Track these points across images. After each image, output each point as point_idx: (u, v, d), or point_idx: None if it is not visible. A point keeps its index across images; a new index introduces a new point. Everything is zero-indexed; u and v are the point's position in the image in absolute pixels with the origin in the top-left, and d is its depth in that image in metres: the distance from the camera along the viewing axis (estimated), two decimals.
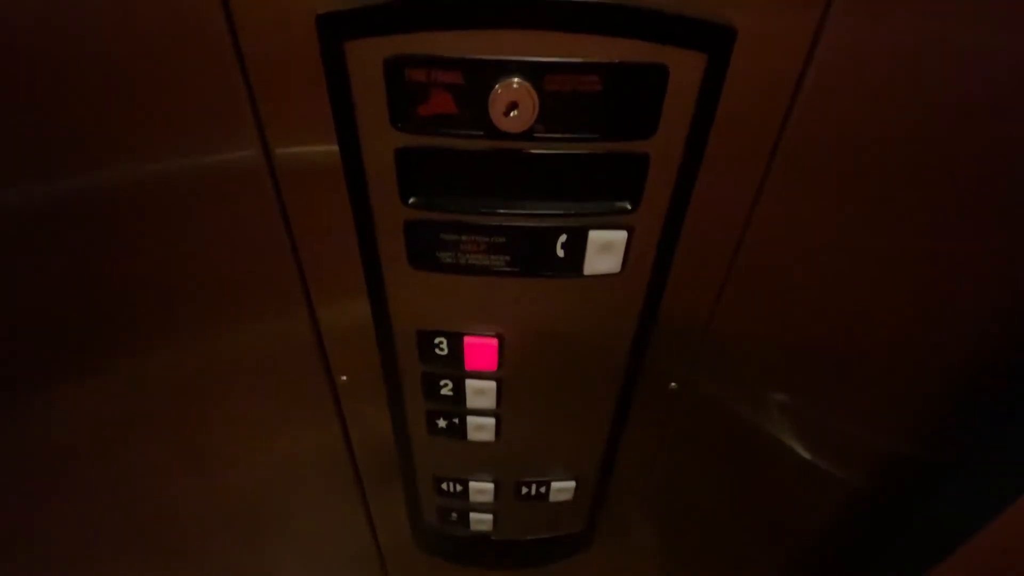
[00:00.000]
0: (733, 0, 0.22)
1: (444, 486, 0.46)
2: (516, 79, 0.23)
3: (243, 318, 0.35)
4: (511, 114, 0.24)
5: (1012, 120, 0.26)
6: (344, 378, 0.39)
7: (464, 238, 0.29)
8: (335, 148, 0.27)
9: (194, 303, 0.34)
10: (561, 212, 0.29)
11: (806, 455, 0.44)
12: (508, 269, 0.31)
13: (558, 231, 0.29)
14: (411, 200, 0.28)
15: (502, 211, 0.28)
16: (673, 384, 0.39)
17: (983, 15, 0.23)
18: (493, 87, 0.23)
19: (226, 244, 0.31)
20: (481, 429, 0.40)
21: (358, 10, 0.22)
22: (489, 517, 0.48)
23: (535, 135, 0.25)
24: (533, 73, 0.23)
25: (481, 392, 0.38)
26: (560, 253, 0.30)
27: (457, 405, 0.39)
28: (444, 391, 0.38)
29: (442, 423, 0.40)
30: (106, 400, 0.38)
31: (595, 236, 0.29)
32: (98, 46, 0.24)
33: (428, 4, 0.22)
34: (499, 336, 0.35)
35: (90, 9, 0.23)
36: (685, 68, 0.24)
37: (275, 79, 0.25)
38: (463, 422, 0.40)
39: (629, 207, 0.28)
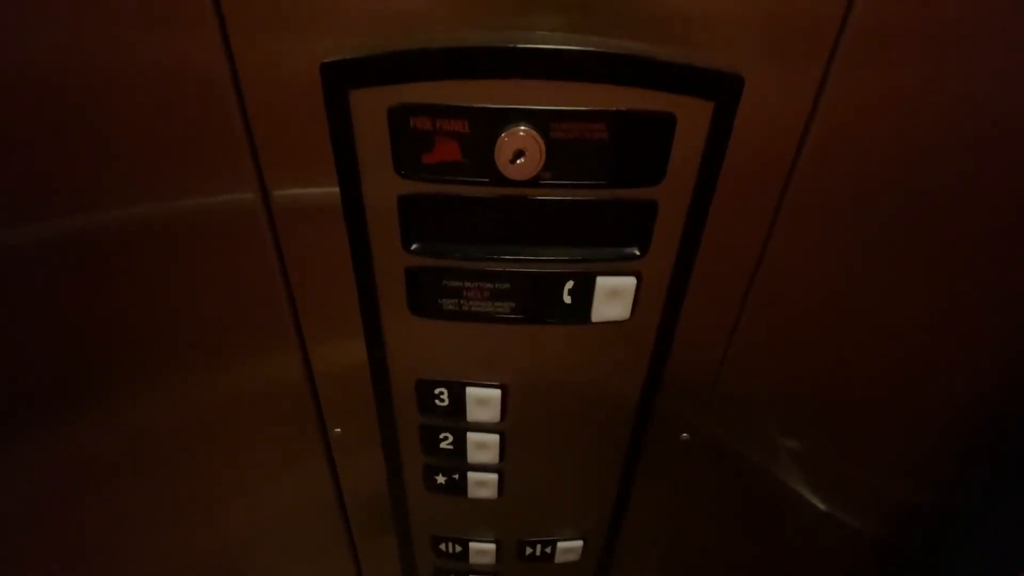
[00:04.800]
0: (739, 48, 0.22)
1: (442, 546, 0.43)
2: (522, 127, 0.23)
3: (235, 365, 0.34)
4: (517, 161, 0.24)
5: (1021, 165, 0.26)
6: (338, 430, 0.37)
7: (468, 284, 0.28)
8: (335, 191, 0.26)
9: (185, 349, 0.33)
10: (568, 258, 0.28)
11: (824, 507, 0.42)
12: (513, 316, 0.30)
13: (565, 277, 0.28)
14: (413, 247, 0.27)
15: (507, 257, 0.28)
16: (685, 435, 0.37)
17: (984, 65, 0.23)
18: (499, 135, 0.23)
19: (219, 288, 0.30)
20: (483, 486, 0.38)
21: (363, 59, 0.22)
22: None
23: (541, 182, 0.25)
24: (539, 121, 0.23)
25: (483, 446, 0.36)
26: (567, 299, 0.29)
27: (457, 460, 0.37)
28: (444, 445, 0.36)
29: (441, 479, 0.38)
30: (88, 445, 0.36)
31: (603, 282, 0.28)
32: (99, 89, 0.24)
33: (433, 54, 0.22)
34: (503, 386, 0.33)
35: (93, 52, 0.23)
36: (693, 116, 0.24)
37: (276, 125, 0.24)
38: (463, 478, 0.38)
39: (637, 253, 0.28)
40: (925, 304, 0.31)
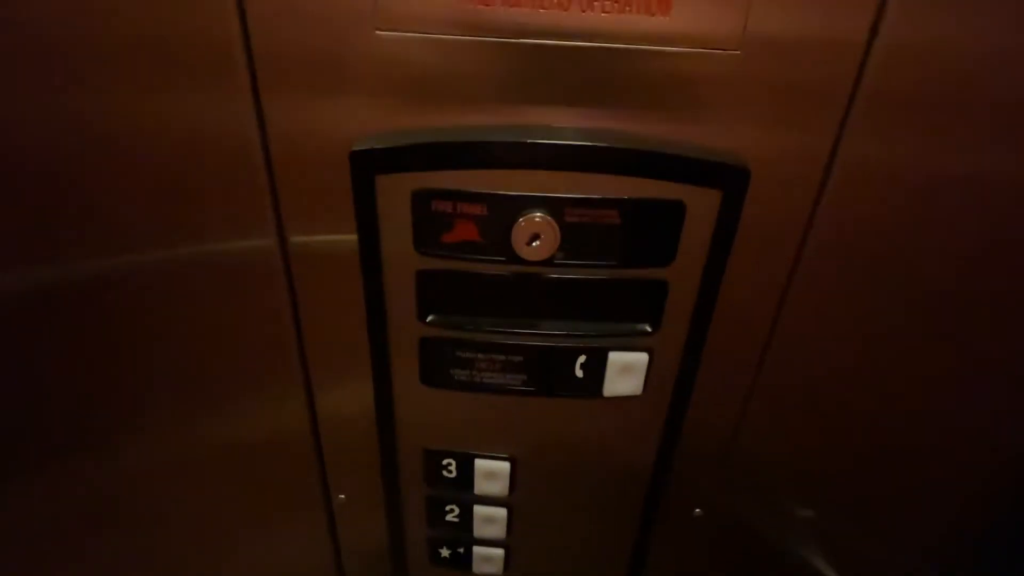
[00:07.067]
0: (747, 139, 0.24)
1: None
2: (539, 214, 0.24)
3: (240, 422, 0.34)
4: (533, 244, 0.24)
5: None
6: (342, 497, 0.36)
7: (480, 356, 0.29)
8: (352, 239, 0.26)
9: (192, 398, 0.33)
10: (580, 333, 0.28)
11: None
12: (525, 389, 0.30)
13: (577, 351, 0.28)
14: (429, 318, 0.28)
15: (521, 331, 0.28)
16: (698, 510, 0.36)
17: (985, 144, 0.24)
18: (516, 220, 0.24)
19: (232, 341, 0.30)
20: (489, 561, 0.36)
21: (390, 149, 0.24)
22: None
23: (555, 262, 0.25)
24: (555, 208, 0.24)
25: (491, 520, 0.35)
26: (579, 374, 0.29)
27: (463, 533, 0.35)
28: (450, 517, 0.35)
29: (445, 552, 0.37)
30: (82, 488, 0.35)
31: (615, 358, 0.29)
32: (124, 141, 0.24)
33: (455, 147, 0.24)
34: (512, 459, 0.33)
35: (125, 106, 0.23)
36: (702, 203, 0.25)
37: (303, 198, 0.25)
38: (469, 552, 0.36)
39: (649, 330, 0.28)
40: (938, 377, 0.31)
